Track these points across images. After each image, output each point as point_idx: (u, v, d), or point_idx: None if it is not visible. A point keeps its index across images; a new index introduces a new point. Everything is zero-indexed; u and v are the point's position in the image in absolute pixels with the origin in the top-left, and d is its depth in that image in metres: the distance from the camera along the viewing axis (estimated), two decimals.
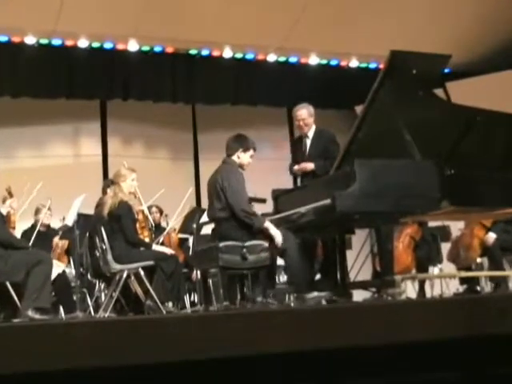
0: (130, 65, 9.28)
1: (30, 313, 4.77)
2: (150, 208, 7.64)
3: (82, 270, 6.46)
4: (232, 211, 5.15)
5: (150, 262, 5.61)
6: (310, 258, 5.68)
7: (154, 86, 9.50)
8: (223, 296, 5.10)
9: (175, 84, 9.59)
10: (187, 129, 10.17)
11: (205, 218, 6.40)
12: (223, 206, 5.20)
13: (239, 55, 9.73)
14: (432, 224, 7.63)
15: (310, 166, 5.96)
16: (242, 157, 5.32)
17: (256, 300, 5.18)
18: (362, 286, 6.11)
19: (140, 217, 6.57)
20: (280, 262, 5.78)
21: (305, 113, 6.08)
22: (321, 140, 6.06)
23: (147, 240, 6.36)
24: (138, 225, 6.24)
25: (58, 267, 5.78)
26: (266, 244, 5.10)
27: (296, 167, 6.11)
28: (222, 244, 5.04)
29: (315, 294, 5.08)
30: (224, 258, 5.01)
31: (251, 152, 5.35)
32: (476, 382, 2.84)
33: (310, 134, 6.09)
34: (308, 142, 6.12)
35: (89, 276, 6.39)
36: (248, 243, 5.07)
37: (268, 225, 5.13)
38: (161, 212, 7.90)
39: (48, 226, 7.31)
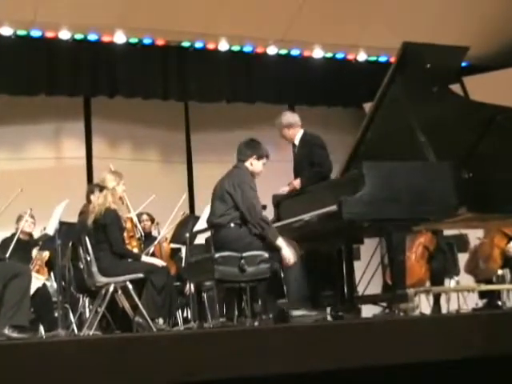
0: (116, 58, 9.28)
1: (7, 331, 4.77)
2: (140, 216, 7.63)
3: (64, 283, 6.45)
4: (243, 218, 5.16)
5: (139, 275, 5.60)
6: (315, 271, 5.68)
7: (143, 82, 9.49)
8: (219, 312, 5.11)
9: (166, 79, 9.58)
10: (179, 129, 10.16)
11: (198, 226, 6.41)
12: (223, 213, 5.21)
13: (236, 48, 9.72)
14: (448, 232, 7.63)
15: (296, 183, 5.90)
16: (255, 164, 5.36)
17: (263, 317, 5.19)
18: (372, 300, 6.12)
19: (128, 225, 6.57)
20: None
21: (279, 124, 6.05)
22: (305, 145, 6.04)
23: (136, 250, 6.36)
24: (125, 234, 6.24)
25: (37, 280, 5.78)
26: (266, 254, 5.10)
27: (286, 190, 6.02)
28: (217, 255, 5.05)
29: (320, 309, 5.08)
30: (220, 270, 5.02)
31: (264, 160, 5.40)
32: None
33: (297, 142, 6.09)
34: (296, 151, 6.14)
35: (72, 290, 6.38)
36: (246, 254, 5.07)
37: (281, 243, 5.11)
38: (152, 220, 7.87)
39: (30, 235, 7.29)
